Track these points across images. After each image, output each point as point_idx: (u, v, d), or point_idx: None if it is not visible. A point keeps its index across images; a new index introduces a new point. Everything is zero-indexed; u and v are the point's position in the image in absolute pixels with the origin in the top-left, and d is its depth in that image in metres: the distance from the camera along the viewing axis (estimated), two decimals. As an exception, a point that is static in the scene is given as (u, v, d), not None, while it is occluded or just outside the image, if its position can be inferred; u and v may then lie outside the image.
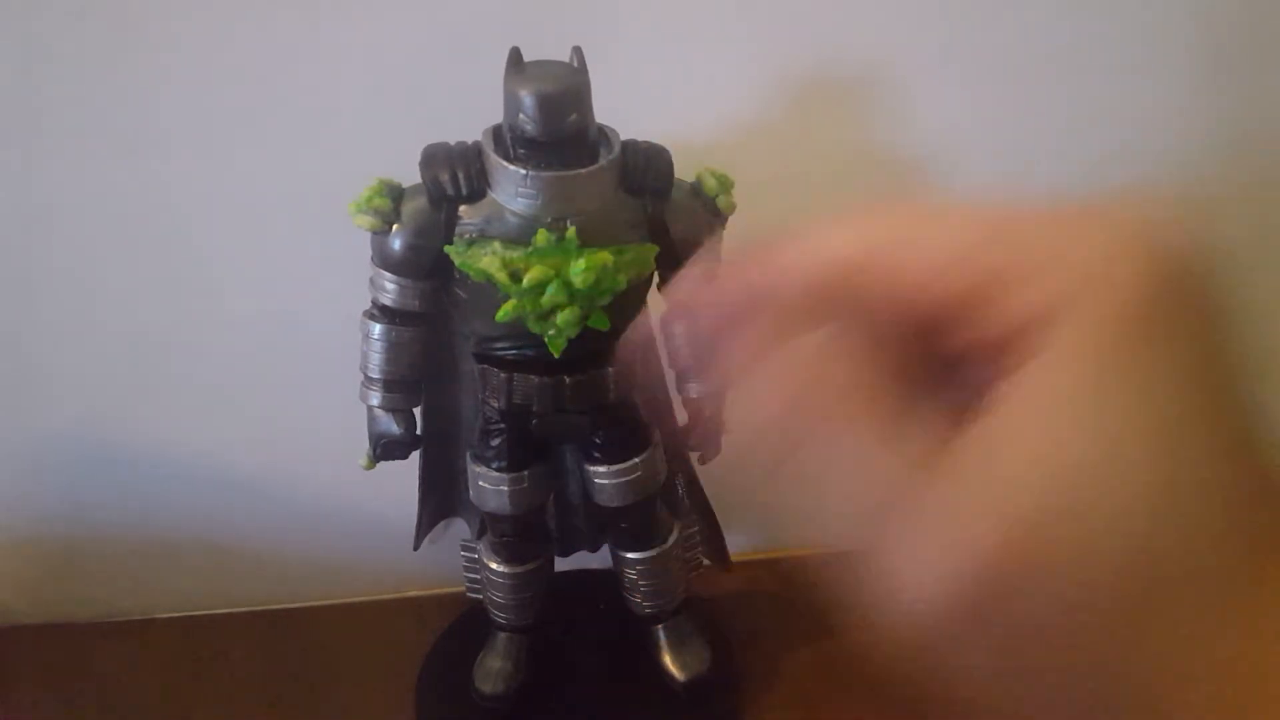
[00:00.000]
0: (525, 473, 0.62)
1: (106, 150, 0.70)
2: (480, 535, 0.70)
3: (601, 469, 0.63)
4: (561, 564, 0.73)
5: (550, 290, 0.54)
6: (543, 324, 0.55)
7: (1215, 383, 0.22)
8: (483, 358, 0.60)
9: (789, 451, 0.24)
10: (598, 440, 0.63)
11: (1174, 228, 0.23)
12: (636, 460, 0.63)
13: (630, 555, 0.68)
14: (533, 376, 0.59)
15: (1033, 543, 0.20)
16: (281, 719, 0.70)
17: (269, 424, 0.79)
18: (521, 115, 0.52)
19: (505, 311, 0.55)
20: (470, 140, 0.57)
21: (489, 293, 0.55)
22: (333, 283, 0.68)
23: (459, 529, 0.78)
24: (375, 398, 0.61)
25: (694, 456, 0.69)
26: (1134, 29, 0.80)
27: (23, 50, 0.67)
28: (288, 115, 0.71)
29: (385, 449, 0.62)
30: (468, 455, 0.64)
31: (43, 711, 0.72)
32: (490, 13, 0.69)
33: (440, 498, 0.74)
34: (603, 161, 0.55)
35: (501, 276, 0.54)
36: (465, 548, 0.72)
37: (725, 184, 0.60)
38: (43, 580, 0.81)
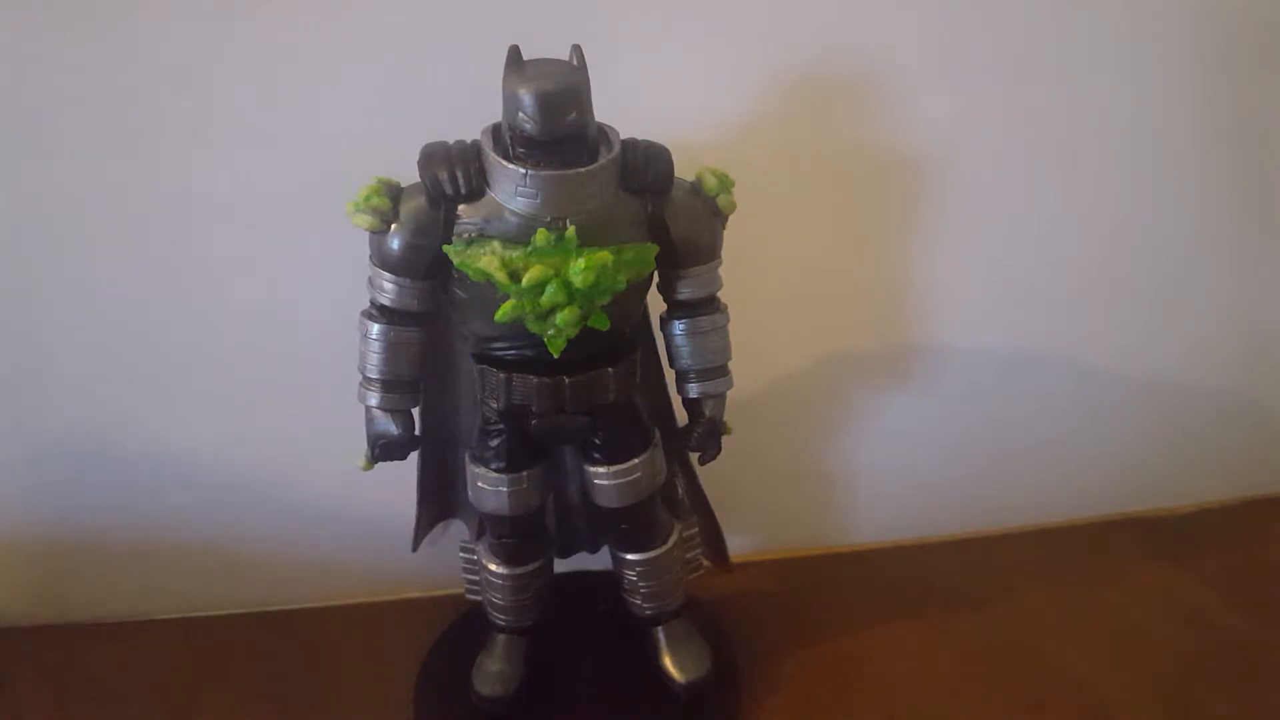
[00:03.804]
0: (524, 474, 0.62)
1: (105, 149, 0.70)
2: (479, 536, 0.70)
3: (601, 470, 0.63)
4: (561, 565, 0.73)
5: (550, 290, 0.53)
6: (542, 324, 0.55)
7: None
8: (481, 358, 0.60)
9: None
10: (597, 441, 0.62)
11: None
12: (636, 461, 0.63)
13: (630, 556, 0.68)
14: (532, 377, 0.58)
15: None
16: (281, 720, 0.70)
17: (268, 424, 0.79)
18: (521, 114, 0.52)
19: (504, 311, 0.54)
20: (469, 139, 0.57)
21: (488, 292, 0.55)
22: (331, 282, 0.68)
23: (458, 530, 0.78)
24: (373, 398, 0.60)
25: (694, 457, 0.69)
26: (1133, 29, 0.80)
27: (22, 49, 0.67)
28: (286, 114, 0.71)
29: (383, 450, 0.62)
30: (466, 456, 0.64)
31: (41, 713, 0.72)
32: (489, 11, 0.69)
33: (439, 499, 0.74)
34: (602, 160, 0.55)
35: (500, 276, 0.53)
36: (464, 549, 0.72)
37: (725, 183, 0.60)
38: (41, 581, 0.81)
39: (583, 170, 0.54)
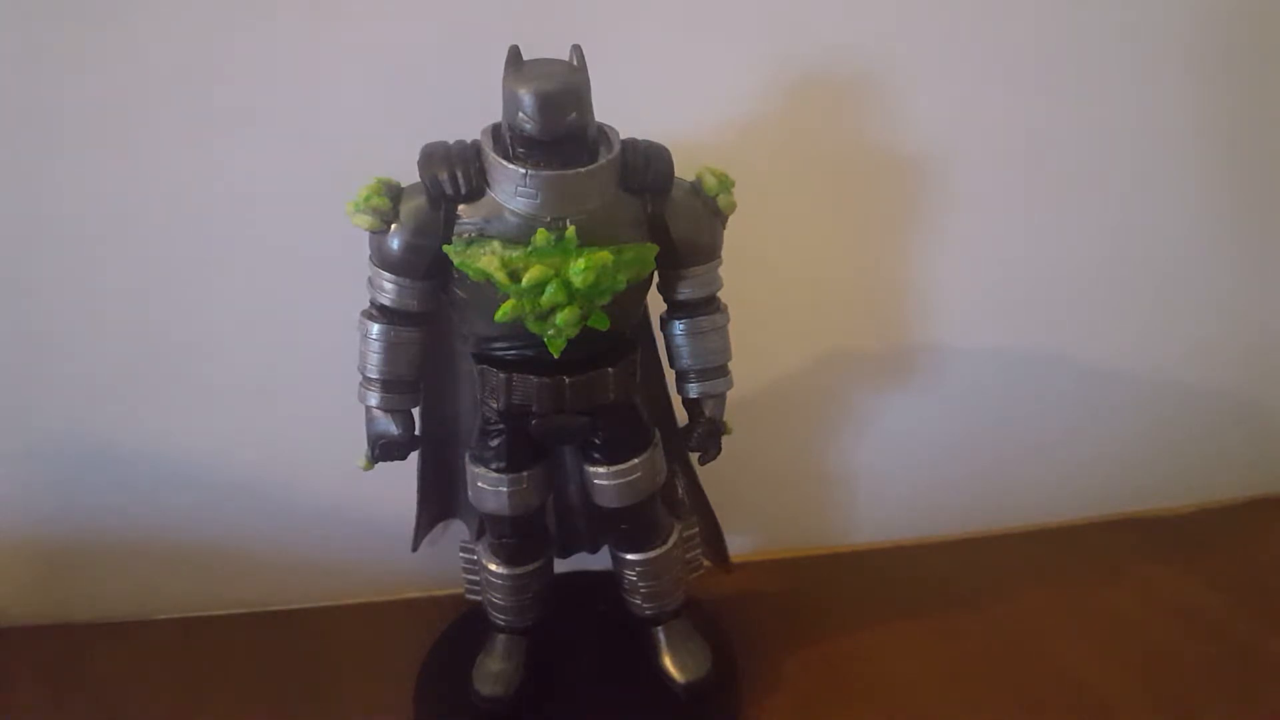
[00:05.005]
0: (524, 474, 0.62)
1: (106, 149, 0.70)
2: (479, 536, 0.70)
3: (601, 470, 0.63)
4: (561, 565, 0.73)
5: (549, 290, 0.53)
6: (542, 324, 0.55)
7: None
8: (482, 358, 0.60)
9: None
10: (597, 441, 0.62)
11: None
12: (636, 461, 0.63)
13: (630, 556, 0.68)
14: (532, 377, 0.58)
15: None
16: (281, 720, 0.70)
17: (268, 424, 0.79)
18: (521, 114, 0.52)
19: (504, 311, 0.54)
20: (469, 139, 0.57)
21: (488, 292, 0.55)
22: (331, 282, 0.68)
23: (458, 530, 0.78)
24: (373, 398, 0.60)
25: (694, 457, 0.69)
26: (1134, 29, 0.80)
27: (22, 49, 0.67)
28: (287, 114, 0.71)
29: (384, 450, 0.62)
30: (466, 456, 0.64)
31: (41, 713, 0.71)
32: (489, 11, 0.69)
33: (439, 499, 0.74)
34: (602, 160, 0.55)
35: (500, 276, 0.53)
36: (464, 549, 0.72)
37: (725, 183, 0.60)
38: (41, 581, 0.81)
39: (583, 170, 0.54)
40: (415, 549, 0.75)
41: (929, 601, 0.82)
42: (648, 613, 0.70)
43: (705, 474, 0.72)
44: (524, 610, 0.69)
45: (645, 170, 0.57)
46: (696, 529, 0.73)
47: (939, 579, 0.86)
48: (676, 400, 0.68)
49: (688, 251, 0.60)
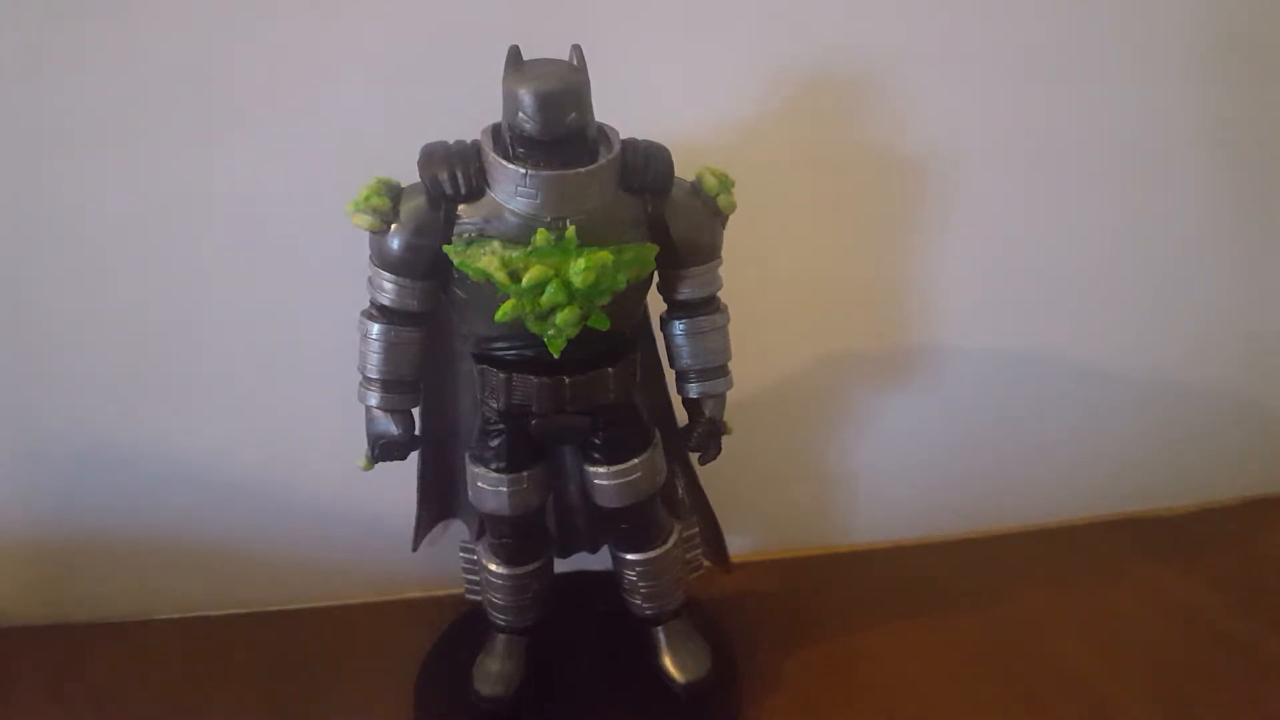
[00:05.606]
0: (524, 474, 0.62)
1: (106, 149, 0.70)
2: (479, 536, 0.70)
3: (601, 470, 0.63)
4: (561, 565, 0.73)
5: (549, 290, 0.53)
6: (542, 324, 0.55)
7: None
8: (482, 358, 0.60)
9: None
10: (597, 441, 0.62)
11: None
12: (636, 461, 0.63)
13: (630, 556, 0.68)
14: (532, 377, 0.58)
15: None
16: (281, 720, 0.70)
17: (268, 424, 0.79)
18: (521, 114, 0.52)
19: (504, 311, 0.54)
20: (469, 139, 0.57)
21: (488, 292, 0.55)
22: (331, 282, 0.68)
23: (458, 530, 0.78)
24: (373, 398, 0.60)
25: (694, 457, 0.69)
26: (1134, 29, 0.80)
27: (22, 49, 0.67)
28: (287, 114, 0.71)
29: (384, 450, 0.62)
30: (466, 456, 0.64)
31: (41, 713, 0.71)
32: (489, 11, 0.69)
33: (439, 499, 0.74)
34: (602, 160, 0.55)
35: (500, 276, 0.53)
36: (464, 549, 0.72)
37: (725, 183, 0.60)
38: (41, 581, 0.81)
39: (583, 170, 0.54)
40: (415, 549, 0.75)
41: (929, 601, 0.82)
42: (648, 613, 0.70)
43: (705, 474, 0.72)
44: (524, 610, 0.69)
45: (645, 170, 0.57)
46: (696, 529, 0.73)
47: (939, 579, 0.86)
48: (676, 400, 0.68)
49: (688, 251, 0.60)
